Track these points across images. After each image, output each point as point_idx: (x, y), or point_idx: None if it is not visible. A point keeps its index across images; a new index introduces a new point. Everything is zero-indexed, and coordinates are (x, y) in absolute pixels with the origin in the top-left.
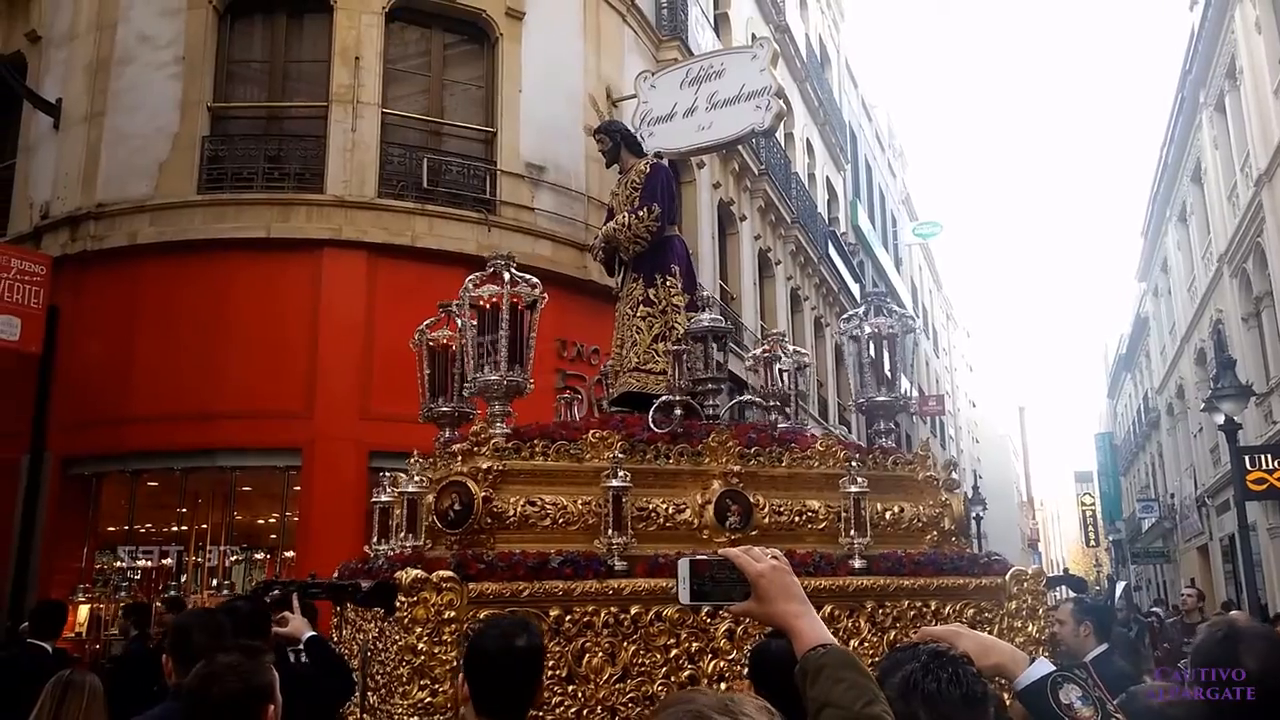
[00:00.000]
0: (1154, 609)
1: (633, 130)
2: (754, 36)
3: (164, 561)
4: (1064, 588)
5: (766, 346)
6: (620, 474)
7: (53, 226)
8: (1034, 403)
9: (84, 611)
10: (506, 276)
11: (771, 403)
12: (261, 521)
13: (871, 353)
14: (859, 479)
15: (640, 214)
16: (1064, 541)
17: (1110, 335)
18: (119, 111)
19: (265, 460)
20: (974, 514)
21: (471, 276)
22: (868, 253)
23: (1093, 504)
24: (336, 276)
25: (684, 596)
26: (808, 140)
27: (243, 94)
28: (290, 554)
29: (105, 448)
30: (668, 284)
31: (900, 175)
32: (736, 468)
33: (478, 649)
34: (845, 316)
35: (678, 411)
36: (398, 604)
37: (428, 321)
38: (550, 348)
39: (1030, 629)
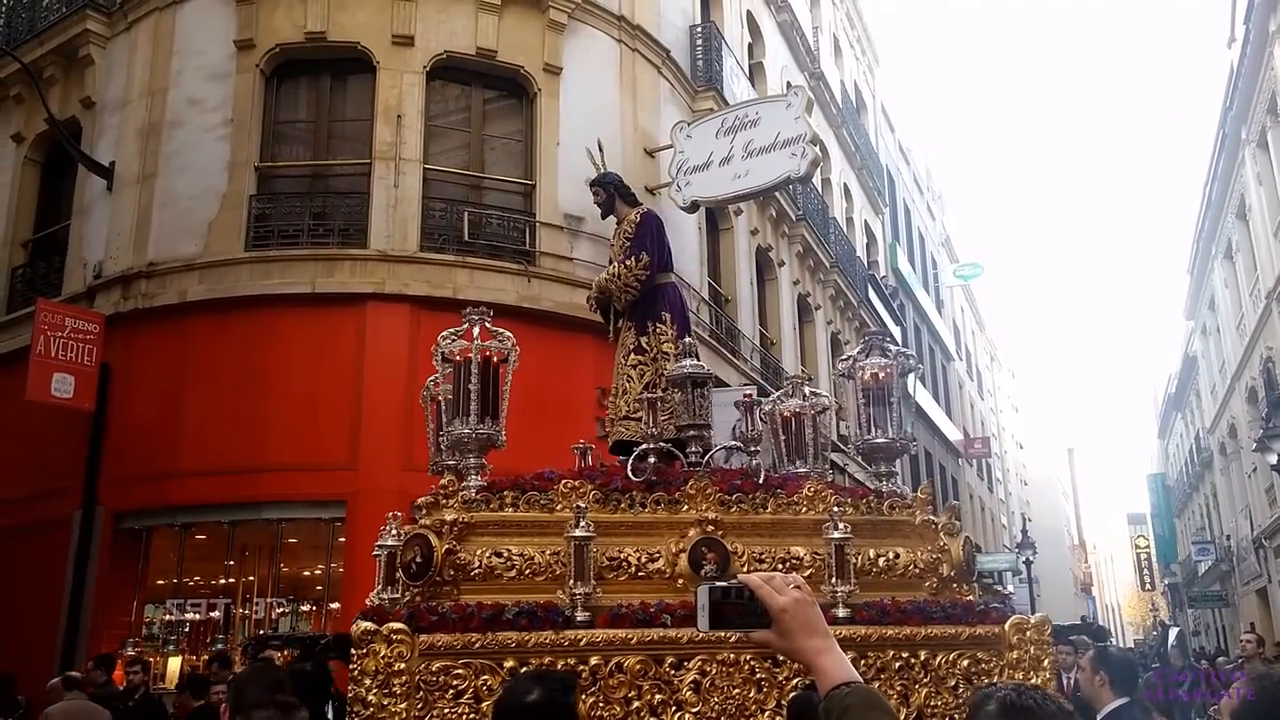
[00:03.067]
0: (1202, 658)
1: (627, 182)
2: (789, 84)
3: (212, 614)
4: (1084, 636)
5: (747, 393)
6: (583, 523)
7: (105, 285)
8: (1083, 444)
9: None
10: (476, 331)
11: (753, 448)
12: (307, 573)
13: (869, 394)
14: (840, 524)
15: (629, 263)
16: (1118, 586)
17: (1159, 374)
18: (170, 173)
19: (310, 512)
20: (1024, 558)
21: (446, 331)
22: (908, 296)
23: (1147, 546)
24: (380, 329)
25: (703, 624)
26: (845, 185)
27: (288, 153)
28: (336, 605)
29: (155, 502)
30: (659, 331)
31: (940, 217)
32: (713, 515)
33: (496, 709)
34: (843, 357)
35: (651, 459)
36: (351, 656)
37: (434, 377)
38: (591, 396)
39: (1034, 680)
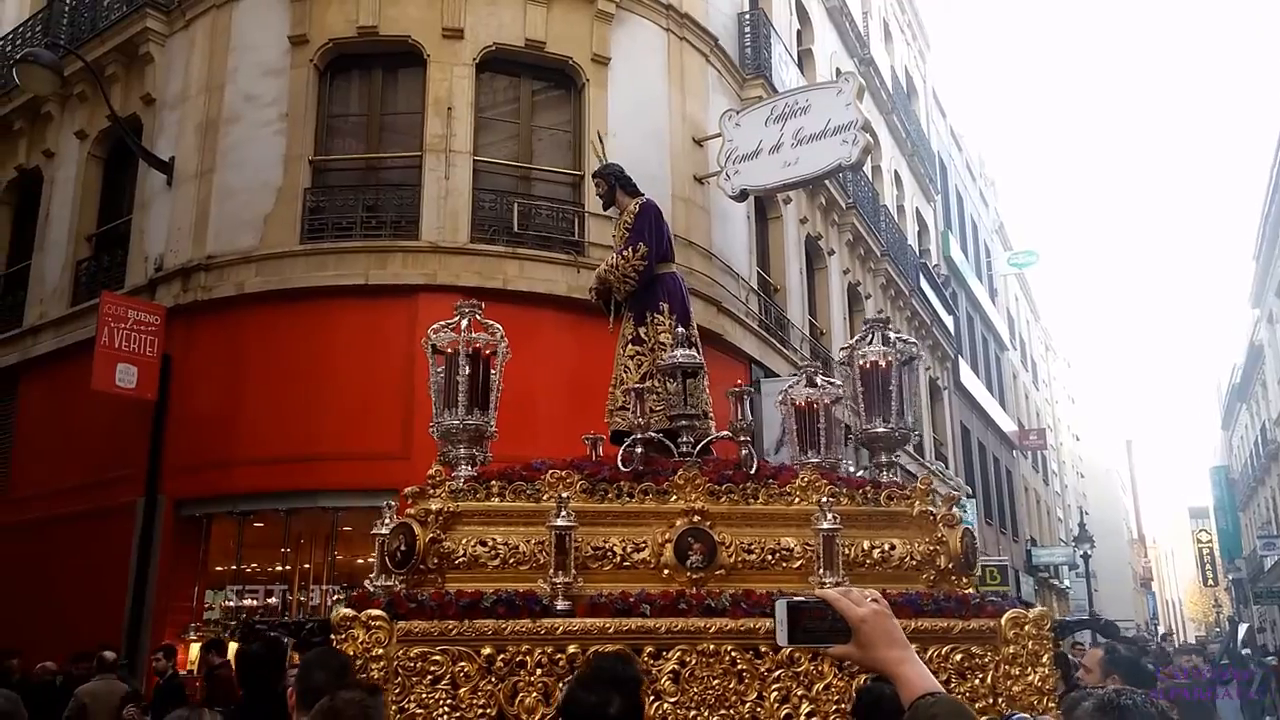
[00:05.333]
0: (1268, 654)
1: (628, 173)
2: (838, 71)
3: (269, 600)
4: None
5: (739, 382)
6: (564, 513)
7: (166, 278)
8: (1142, 435)
9: (195, 650)
10: (464, 324)
11: (742, 438)
12: (361, 560)
13: (869, 382)
14: (829, 515)
15: (626, 253)
16: (1179, 581)
17: (1222, 364)
18: (227, 168)
19: (365, 501)
20: (1081, 552)
21: (436, 324)
22: (961, 284)
23: (1209, 541)
24: (431, 320)
25: (781, 638)
26: (896, 172)
27: (341, 147)
28: None
29: (214, 490)
30: (656, 321)
31: (993, 204)
32: (701, 505)
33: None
34: (843, 346)
35: (638, 450)
36: (331, 641)
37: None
38: None
39: (1031, 677)
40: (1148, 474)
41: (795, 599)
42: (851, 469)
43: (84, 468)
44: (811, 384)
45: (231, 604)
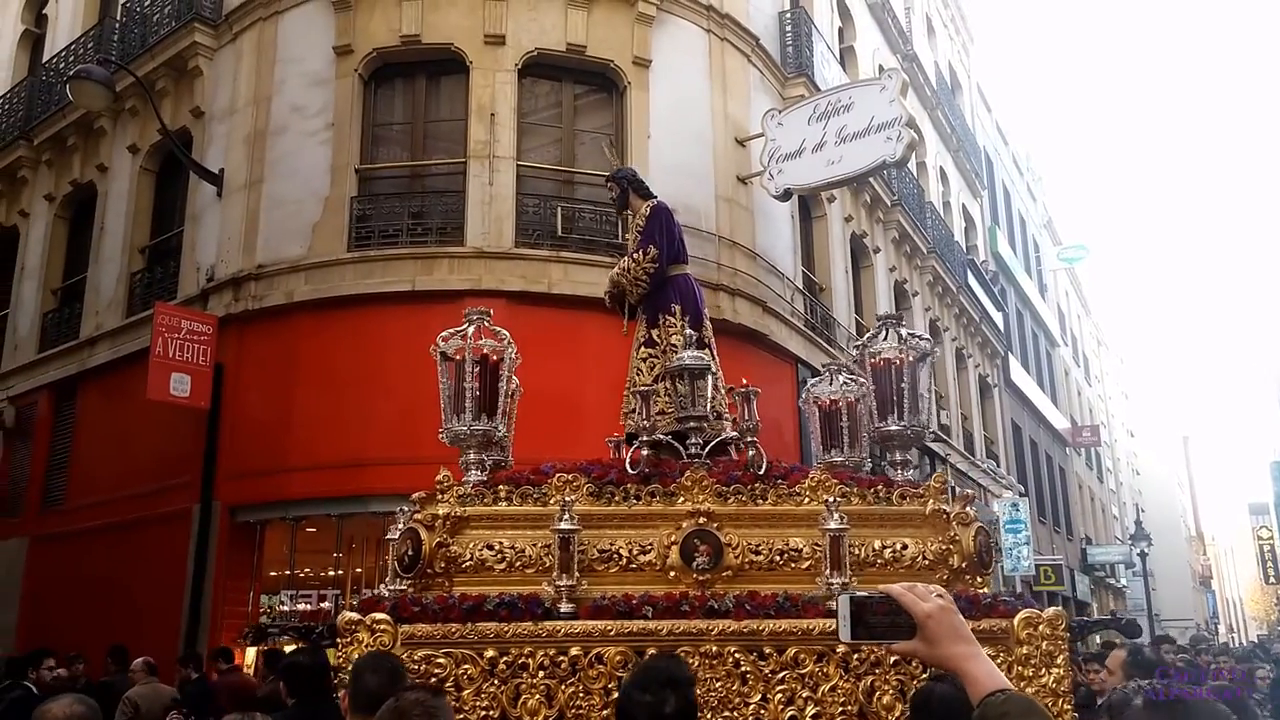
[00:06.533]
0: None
1: (639, 177)
2: (881, 68)
3: (322, 605)
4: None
5: (743, 381)
6: (568, 517)
7: (218, 288)
8: (1199, 431)
9: (251, 654)
10: (471, 330)
11: (749, 439)
12: None
13: (880, 380)
14: (836, 515)
15: (637, 256)
16: (1239, 580)
17: None
18: (275, 178)
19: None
20: (1138, 550)
21: (445, 331)
22: (1009, 280)
23: (1270, 538)
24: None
25: (844, 634)
26: (941, 168)
27: (387, 155)
28: None
29: (267, 496)
30: (668, 323)
31: (1041, 198)
32: (708, 507)
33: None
34: (855, 344)
35: (645, 452)
36: (338, 644)
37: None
38: None
39: (1045, 679)
40: (1205, 470)
41: (858, 594)
42: (871, 468)
43: (140, 475)
44: (833, 382)
45: (285, 608)
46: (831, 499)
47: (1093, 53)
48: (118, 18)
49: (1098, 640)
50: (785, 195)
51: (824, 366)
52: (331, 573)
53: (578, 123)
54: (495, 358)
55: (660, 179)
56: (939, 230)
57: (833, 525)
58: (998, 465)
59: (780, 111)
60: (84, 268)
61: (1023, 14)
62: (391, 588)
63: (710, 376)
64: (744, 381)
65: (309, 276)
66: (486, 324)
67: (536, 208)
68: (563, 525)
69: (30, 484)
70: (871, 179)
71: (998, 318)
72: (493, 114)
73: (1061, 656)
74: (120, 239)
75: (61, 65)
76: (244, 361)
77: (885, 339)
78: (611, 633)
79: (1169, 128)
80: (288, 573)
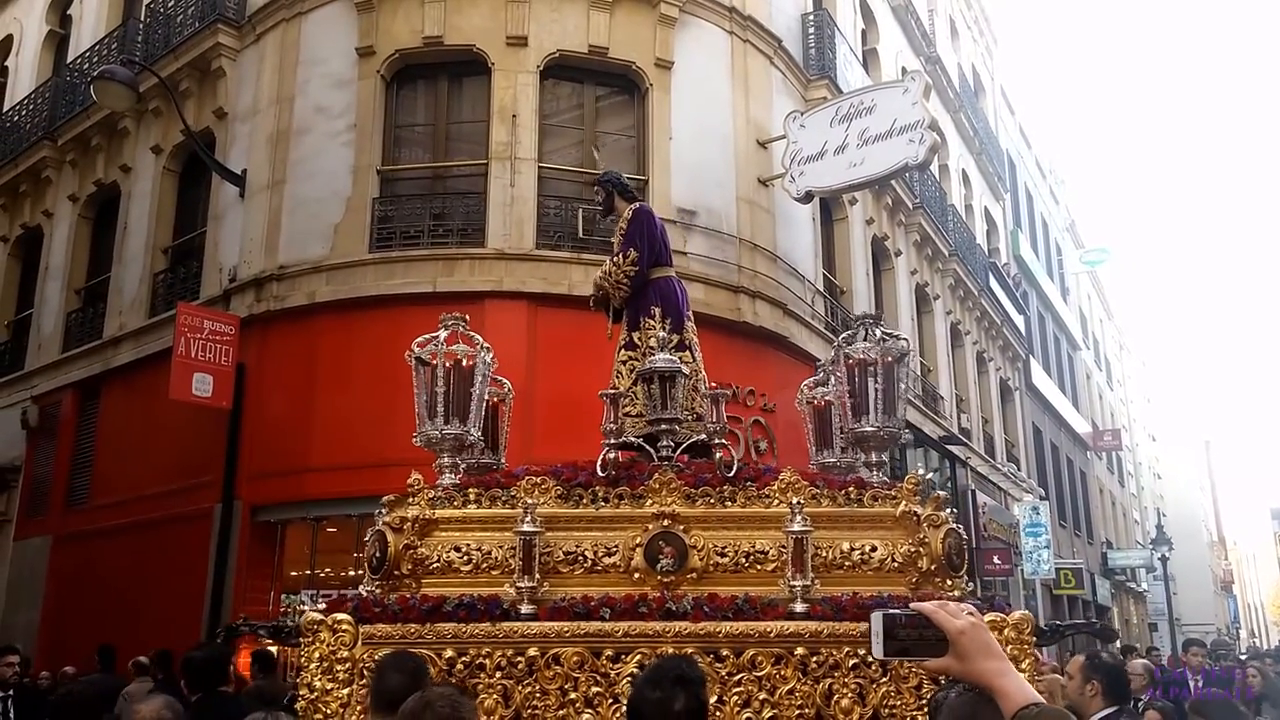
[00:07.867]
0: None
1: (629, 181)
2: (904, 70)
3: None
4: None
5: (713, 384)
6: (530, 519)
7: (240, 288)
8: (1221, 435)
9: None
10: (444, 335)
11: (717, 440)
12: None
13: (855, 380)
14: (800, 517)
15: (618, 259)
16: (1262, 585)
17: None
18: (298, 179)
19: None
20: (1159, 555)
21: (421, 337)
22: (1031, 283)
23: None
24: (498, 326)
25: (877, 650)
26: (963, 171)
27: (408, 156)
28: None
29: (288, 496)
30: (647, 326)
31: (1064, 201)
32: (674, 509)
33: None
34: (834, 343)
35: (612, 455)
36: (301, 643)
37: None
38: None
39: None
40: (1227, 474)
41: (890, 611)
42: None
43: (162, 475)
44: (825, 383)
45: (306, 607)
46: (797, 500)
47: (1118, 55)
48: (142, 18)
49: (1115, 647)
50: (807, 197)
51: (818, 367)
52: (352, 573)
53: (599, 124)
54: (469, 363)
55: (681, 181)
56: (961, 233)
57: (796, 527)
58: (1018, 469)
59: (802, 113)
60: (107, 268)
61: (1047, 16)
62: (365, 589)
63: (682, 379)
64: (713, 384)
65: (330, 277)
66: (463, 329)
67: (558, 209)
68: (525, 527)
69: (54, 483)
70: (893, 181)
71: (1019, 321)
72: (514, 115)
73: (1027, 661)
74: (143, 239)
75: (85, 66)
76: (266, 362)
77: (864, 339)
78: (568, 634)
79: (1194, 131)
80: (308, 572)
